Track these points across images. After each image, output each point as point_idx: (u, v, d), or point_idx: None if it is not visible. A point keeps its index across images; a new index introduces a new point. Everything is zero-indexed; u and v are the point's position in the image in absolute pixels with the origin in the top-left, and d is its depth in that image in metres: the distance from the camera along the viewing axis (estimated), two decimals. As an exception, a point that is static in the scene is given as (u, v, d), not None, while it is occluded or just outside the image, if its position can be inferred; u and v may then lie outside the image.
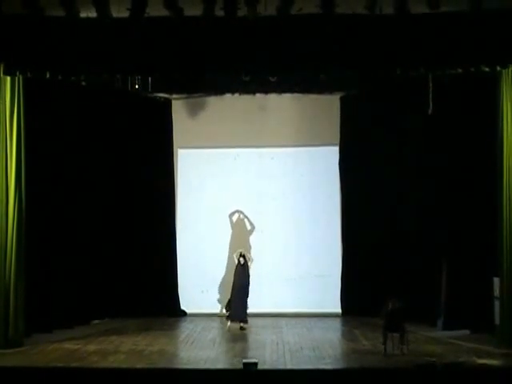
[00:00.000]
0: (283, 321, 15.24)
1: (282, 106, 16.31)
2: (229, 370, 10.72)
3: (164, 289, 16.01)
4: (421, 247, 14.57)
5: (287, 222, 16.38)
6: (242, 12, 11.47)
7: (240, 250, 14.86)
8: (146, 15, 11.51)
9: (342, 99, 16.33)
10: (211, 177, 16.52)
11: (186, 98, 16.47)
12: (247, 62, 11.84)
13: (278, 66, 11.95)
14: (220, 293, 16.01)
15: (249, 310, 14.53)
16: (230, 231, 16.39)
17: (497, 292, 12.59)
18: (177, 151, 16.60)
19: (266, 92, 15.96)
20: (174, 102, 16.55)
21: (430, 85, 13.45)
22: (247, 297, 14.48)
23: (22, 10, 11.54)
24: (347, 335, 13.97)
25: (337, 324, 15.29)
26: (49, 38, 11.63)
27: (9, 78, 12.23)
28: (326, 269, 16.13)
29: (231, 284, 14.70)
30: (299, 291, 16.06)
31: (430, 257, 14.34)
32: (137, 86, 15.13)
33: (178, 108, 16.54)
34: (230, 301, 14.52)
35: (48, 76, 12.14)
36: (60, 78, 12.51)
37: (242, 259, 14.61)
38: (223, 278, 16.02)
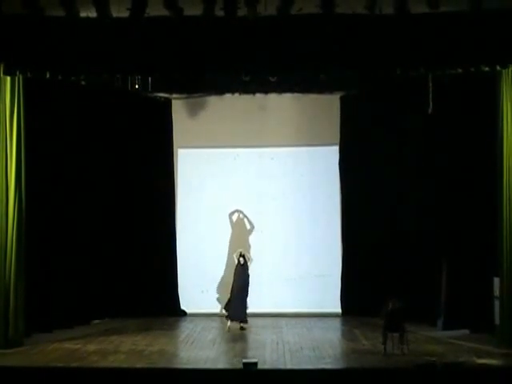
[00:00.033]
0: (283, 321, 15.25)
1: (281, 105, 16.31)
2: (229, 369, 10.73)
3: (164, 289, 16.01)
4: (421, 247, 14.58)
5: (287, 222, 16.38)
6: (242, 12, 11.47)
7: (240, 250, 14.86)
8: (146, 15, 11.51)
9: (342, 99, 16.33)
10: (211, 177, 16.52)
11: (186, 97, 16.47)
12: (247, 61, 11.84)
13: (278, 66, 11.95)
14: (219, 292, 16.00)
15: (249, 310, 14.53)
16: (229, 231, 16.39)
17: (497, 292, 12.59)
18: (177, 151, 16.60)
19: (266, 92, 15.98)
20: (174, 101, 16.55)
21: (430, 85, 13.46)
22: (247, 297, 14.48)
23: (22, 10, 11.54)
24: (347, 335, 13.98)
25: (337, 324, 15.30)
26: (49, 38, 11.63)
27: (9, 78, 12.24)
28: (326, 269, 16.13)
29: (231, 284, 14.70)
30: (299, 291, 16.07)
31: (429, 257, 14.34)
32: (137, 86, 15.13)
33: (178, 108, 16.54)
34: (229, 300, 14.52)
35: (48, 76, 12.15)
36: (60, 77, 12.52)
37: (241, 259, 14.61)
38: (222, 278, 16.02)
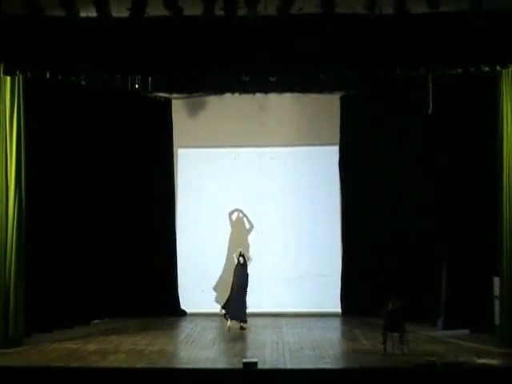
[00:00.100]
0: (283, 320, 15.25)
1: (281, 105, 16.32)
2: (229, 369, 10.73)
3: (164, 288, 16.01)
4: (421, 247, 14.57)
5: (287, 222, 16.39)
6: (242, 12, 11.47)
7: (240, 250, 14.86)
8: (145, 15, 11.51)
9: (342, 99, 16.33)
10: (211, 177, 16.52)
11: (186, 97, 16.47)
12: (247, 61, 11.84)
13: (278, 66, 11.95)
14: (218, 292, 15.99)
15: (249, 310, 14.52)
16: (229, 230, 16.39)
17: (497, 292, 12.60)
18: (177, 151, 16.60)
19: (266, 92, 15.98)
20: (174, 101, 16.55)
21: (430, 85, 13.47)
22: (246, 296, 14.47)
23: (22, 10, 11.54)
24: (347, 335, 13.98)
25: (337, 324, 15.30)
26: (49, 37, 11.63)
27: (9, 78, 12.25)
28: (326, 268, 16.14)
29: (229, 283, 14.70)
30: (299, 291, 16.07)
31: (429, 257, 14.34)
32: (137, 86, 15.12)
33: (178, 108, 16.54)
34: (228, 300, 14.51)
35: (48, 76, 12.16)
36: (60, 77, 12.54)
37: (241, 258, 14.61)
38: (221, 277, 16.02)
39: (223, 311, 14.75)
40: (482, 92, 13.05)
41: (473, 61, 11.70)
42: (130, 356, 11.57)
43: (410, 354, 11.39)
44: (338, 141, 16.29)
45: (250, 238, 16.28)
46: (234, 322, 14.30)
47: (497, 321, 12.52)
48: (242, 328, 14.26)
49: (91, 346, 12.34)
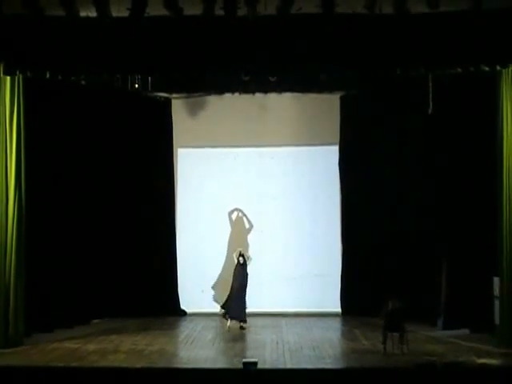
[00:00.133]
0: (283, 320, 15.25)
1: (281, 105, 16.32)
2: (229, 369, 10.72)
3: (164, 288, 16.01)
4: (421, 247, 14.57)
5: (287, 222, 16.39)
6: (242, 11, 11.46)
7: (239, 249, 14.86)
8: (145, 15, 11.51)
9: (341, 99, 16.33)
10: (211, 176, 16.52)
11: (186, 97, 16.47)
12: (247, 61, 11.84)
13: (278, 66, 11.95)
14: (217, 291, 15.98)
15: (249, 310, 14.52)
16: (229, 229, 16.39)
17: (497, 291, 12.60)
18: (177, 151, 16.60)
19: (266, 91, 15.98)
20: (173, 101, 16.55)
21: (430, 85, 13.45)
22: (246, 296, 14.46)
23: (22, 10, 11.53)
24: (347, 335, 13.98)
25: (337, 324, 15.30)
26: (49, 37, 11.62)
27: (9, 78, 12.25)
28: (326, 268, 16.13)
29: (228, 283, 14.70)
30: (299, 291, 16.07)
31: (429, 257, 14.34)
32: (137, 86, 15.15)
33: (178, 107, 16.54)
34: (227, 299, 14.49)
35: (48, 76, 12.18)
36: (60, 77, 12.56)
37: (241, 258, 14.61)
38: (220, 277, 16.02)
39: (222, 311, 14.73)
40: (482, 92, 13.05)
41: (473, 61, 11.70)
42: (129, 356, 11.57)
43: (409, 354, 11.40)
44: (337, 141, 16.28)
45: (250, 238, 16.28)
46: (233, 321, 14.30)
47: (497, 321, 12.52)
48: (241, 328, 14.26)
49: (91, 346, 12.34)
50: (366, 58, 11.81)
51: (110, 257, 15.32)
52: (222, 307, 14.65)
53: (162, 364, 11.05)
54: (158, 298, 15.79)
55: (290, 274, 16.16)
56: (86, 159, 14.88)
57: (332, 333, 14.23)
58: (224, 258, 16.10)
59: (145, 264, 15.84)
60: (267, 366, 10.71)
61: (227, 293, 14.61)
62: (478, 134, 13.27)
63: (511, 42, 11.46)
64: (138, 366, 10.75)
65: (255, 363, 10.12)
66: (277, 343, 12.79)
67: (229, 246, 16.16)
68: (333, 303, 15.97)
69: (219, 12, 11.45)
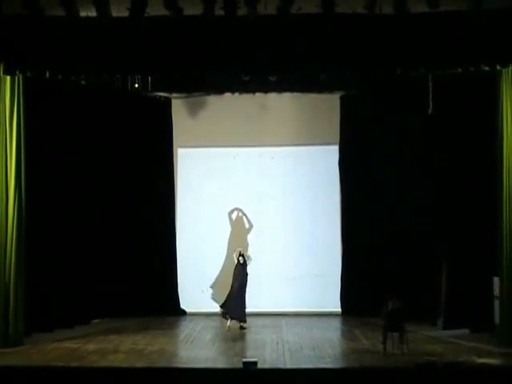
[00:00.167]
0: (283, 320, 15.26)
1: (281, 105, 16.32)
2: (228, 369, 10.72)
3: (164, 288, 16.02)
4: (421, 247, 14.57)
5: (287, 222, 16.39)
6: (242, 11, 11.48)
7: (239, 249, 14.86)
8: (145, 15, 11.51)
9: (341, 98, 16.33)
10: (211, 176, 16.52)
11: (186, 97, 16.48)
12: (247, 61, 11.85)
13: (278, 66, 11.96)
14: (216, 291, 15.97)
15: (249, 310, 14.52)
16: (229, 229, 16.39)
17: (497, 291, 12.60)
18: (176, 150, 16.60)
19: (266, 91, 16.00)
20: (173, 101, 16.56)
21: (430, 84, 13.45)
22: (245, 296, 14.46)
23: (22, 10, 11.54)
24: (347, 335, 13.98)
25: (336, 323, 15.30)
26: (48, 37, 11.64)
27: (9, 78, 12.25)
28: (326, 268, 16.14)
29: (227, 282, 14.70)
30: (299, 291, 16.07)
31: (429, 257, 14.34)
32: (136, 86, 15.16)
33: (178, 107, 16.55)
34: (227, 300, 14.48)
35: (48, 75, 12.16)
36: (60, 77, 12.55)
37: (241, 258, 14.61)
38: (219, 276, 16.03)
39: (222, 310, 14.70)
40: (482, 92, 13.05)
41: (473, 60, 11.70)
42: (129, 355, 11.57)
43: (409, 354, 11.39)
44: (337, 140, 16.29)
45: (250, 238, 16.29)
46: (233, 321, 14.30)
47: (497, 320, 12.52)
48: (241, 328, 14.26)
49: (91, 346, 12.34)
50: (365, 57, 11.82)
51: (110, 257, 15.32)
52: (221, 307, 14.64)
53: (161, 364, 11.04)
54: (158, 297, 15.80)
55: (290, 273, 16.17)
56: (85, 159, 14.88)
57: (332, 333, 14.24)
58: (224, 258, 16.09)
59: (145, 264, 15.85)
60: (267, 365, 10.71)
61: (226, 292, 14.60)
62: (477, 133, 13.27)
63: (511, 42, 11.46)
64: (138, 365, 10.76)
65: (255, 363, 10.12)
66: (277, 343, 12.79)
67: (229, 245, 16.17)
68: (333, 303, 15.98)
69: (219, 12, 11.47)
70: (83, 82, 14.42)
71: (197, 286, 16.13)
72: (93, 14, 11.61)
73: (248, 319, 14.40)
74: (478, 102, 13.28)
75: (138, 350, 12.02)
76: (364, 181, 15.82)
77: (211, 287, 16.13)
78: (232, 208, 16.39)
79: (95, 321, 14.95)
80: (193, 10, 11.48)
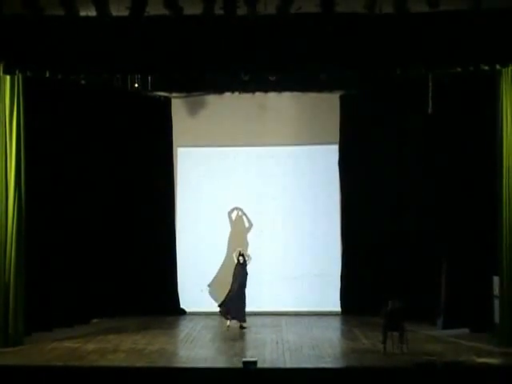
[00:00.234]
0: (283, 320, 15.25)
1: (281, 104, 16.32)
2: (228, 368, 10.72)
3: (164, 288, 16.02)
4: (421, 247, 14.58)
5: (287, 221, 16.38)
6: (242, 11, 11.47)
7: (239, 249, 14.86)
8: (145, 14, 11.51)
9: (341, 98, 16.32)
10: (211, 176, 16.51)
11: (186, 96, 16.47)
12: (247, 61, 11.84)
13: (278, 65, 11.95)
14: (215, 290, 15.97)
15: (249, 309, 14.52)
16: (228, 229, 16.39)
17: (496, 291, 12.60)
18: (176, 150, 16.60)
19: (266, 91, 16.01)
20: (173, 100, 16.55)
21: (430, 84, 13.45)
22: (245, 296, 14.45)
23: (22, 10, 11.54)
24: (347, 334, 13.98)
25: (336, 323, 15.29)
26: (48, 37, 11.63)
27: (8, 77, 12.25)
28: (326, 268, 16.13)
29: (226, 282, 14.70)
30: (299, 290, 16.06)
31: (429, 257, 14.34)
32: (136, 85, 15.15)
33: (178, 107, 16.54)
34: (225, 299, 14.45)
35: (48, 75, 12.16)
36: (60, 77, 12.56)
37: (241, 258, 14.61)
38: (219, 275, 16.03)
39: (220, 309, 14.67)
40: (482, 92, 13.05)
41: (473, 60, 11.70)
42: (129, 355, 11.58)
43: (409, 353, 11.40)
44: (337, 140, 16.28)
45: (250, 237, 16.28)
46: (233, 321, 14.30)
47: (496, 320, 12.52)
48: (241, 327, 14.26)
49: (91, 345, 12.34)
50: (365, 57, 11.81)
51: (110, 256, 15.32)
52: (220, 306, 14.62)
53: (161, 363, 11.05)
54: (158, 297, 15.81)
55: (289, 273, 16.16)
56: (85, 159, 14.88)
57: (332, 332, 14.24)
58: (224, 258, 16.09)
59: (145, 264, 15.85)
60: (267, 365, 10.72)
61: (225, 291, 14.60)
62: (478, 133, 13.27)
63: (511, 42, 11.46)
64: (138, 365, 10.76)
65: (255, 362, 10.12)
66: (277, 343, 12.79)
67: (228, 244, 16.18)
68: (333, 303, 15.97)
69: (219, 11, 11.46)
70: (83, 82, 14.44)
71: (197, 285, 16.13)
72: (92, 13, 11.61)
73: (248, 319, 14.41)
74: (477, 101, 13.29)
75: (137, 350, 12.03)
76: (364, 181, 15.82)
77: (209, 286, 16.12)
78: (232, 208, 16.38)
79: (95, 320, 14.95)
80: (193, 9, 11.47)
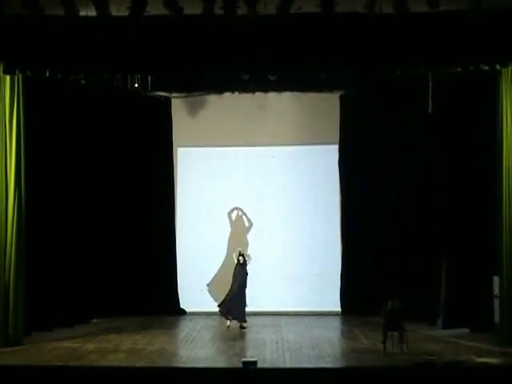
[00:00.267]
0: (283, 319, 15.24)
1: (281, 104, 16.31)
2: (228, 368, 10.72)
3: (164, 288, 16.02)
4: (421, 247, 14.57)
5: (287, 221, 16.38)
6: (242, 11, 11.47)
7: (239, 249, 14.85)
8: (145, 14, 11.51)
9: (341, 98, 16.31)
10: (211, 176, 16.51)
11: (186, 96, 16.47)
12: (247, 60, 11.84)
13: (278, 65, 11.96)
14: (214, 290, 15.97)
15: (248, 309, 14.53)
16: (228, 229, 16.39)
17: (496, 291, 12.60)
18: (176, 150, 16.60)
19: (266, 91, 16.00)
20: (173, 100, 16.54)
21: (430, 84, 13.44)
22: (245, 296, 14.44)
23: (22, 10, 11.53)
24: (347, 334, 13.98)
25: (336, 323, 15.29)
26: (48, 36, 11.64)
27: (8, 77, 12.25)
28: (326, 267, 16.13)
29: (225, 282, 14.70)
30: (299, 290, 16.06)
31: (429, 256, 14.34)
32: (136, 85, 15.15)
33: (178, 107, 16.54)
34: (225, 299, 14.43)
35: (47, 75, 12.15)
36: (59, 76, 12.55)
37: (241, 258, 14.60)
38: (218, 274, 16.03)
39: (219, 309, 14.66)
40: (482, 92, 13.04)
41: (473, 60, 11.70)
42: (129, 355, 11.57)
43: (409, 353, 11.40)
44: (337, 140, 16.27)
45: (250, 237, 16.28)
46: (234, 321, 14.29)
47: (496, 320, 12.52)
48: (241, 327, 14.26)
49: (91, 345, 12.34)
50: (365, 57, 11.81)
51: (110, 256, 15.32)
52: (219, 306, 14.60)
53: (161, 363, 11.04)
54: (158, 297, 15.81)
55: (289, 273, 16.16)
56: (85, 159, 14.87)
57: (332, 332, 14.24)
58: (224, 258, 16.08)
59: (145, 264, 15.85)
60: (267, 365, 10.71)
61: (224, 291, 14.59)
62: (477, 133, 13.26)
63: (511, 42, 11.46)
64: (138, 365, 10.76)
65: (255, 362, 10.11)
66: (276, 342, 12.79)
67: (229, 244, 16.17)
68: (332, 302, 15.97)
69: (219, 11, 11.46)
70: (83, 82, 14.42)
71: (196, 285, 16.12)
72: (92, 13, 11.60)
73: (248, 319, 14.40)
74: (477, 101, 13.27)
75: (137, 350, 12.02)
76: (364, 180, 15.81)
77: (208, 285, 16.11)
78: (231, 208, 16.38)
79: (95, 320, 14.94)
80: (192, 9, 11.47)
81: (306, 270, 16.15)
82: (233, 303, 14.31)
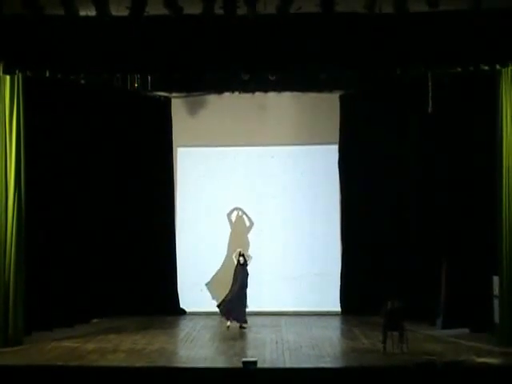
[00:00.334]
0: (283, 319, 15.25)
1: (281, 104, 16.31)
2: (228, 368, 10.72)
3: (164, 288, 16.02)
4: (421, 247, 14.57)
5: (287, 221, 16.37)
6: (242, 11, 11.47)
7: (239, 250, 14.84)
8: (145, 14, 11.51)
9: (341, 98, 16.31)
10: (211, 176, 16.51)
11: (186, 96, 16.46)
12: (247, 60, 11.84)
13: (278, 65, 11.96)
14: (213, 290, 15.97)
15: (249, 309, 14.52)
16: (228, 229, 16.38)
17: (496, 291, 12.59)
18: (176, 150, 16.60)
19: (266, 91, 15.99)
20: (173, 100, 16.54)
21: (430, 84, 13.44)
22: (246, 296, 14.44)
23: (22, 10, 11.54)
24: (347, 334, 13.98)
25: (336, 323, 15.30)
26: (48, 36, 11.64)
27: (8, 77, 12.25)
28: (326, 267, 16.12)
29: (225, 280, 14.70)
30: (299, 290, 16.06)
31: (429, 256, 14.33)
32: (136, 85, 15.13)
33: (178, 107, 16.54)
34: (224, 300, 14.42)
35: (47, 75, 12.15)
36: (59, 76, 12.55)
37: (241, 259, 14.59)
38: (218, 274, 16.02)
39: (218, 309, 14.65)
40: (482, 92, 13.04)
41: (473, 60, 11.70)
42: (129, 355, 11.57)
43: (409, 353, 11.40)
44: (337, 140, 16.27)
45: (250, 236, 16.28)
46: (234, 321, 14.28)
47: (496, 320, 12.52)
48: (241, 327, 14.25)
49: (91, 345, 12.34)
50: (365, 57, 11.81)
51: (110, 256, 15.32)
52: (219, 306, 14.60)
53: (161, 363, 11.04)
54: (158, 297, 15.81)
55: (289, 273, 16.16)
56: (85, 159, 14.87)
57: (332, 332, 14.24)
58: (224, 258, 16.08)
59: (145, 264, 15.85)
60: (267, 365, 10.71)
61: (224, 291, 14.59)
62: (477, 133, 13.26)
63: (511, 42, 11.46)
64: (138, 365, 10.75)
65: (255, 362, 10.11)
66: (276, 342, 12.78)
67: (229, 244, 16.17)
68: (332, 302, 15.97)
69: (219, 11, 11.46)
70: (83, 82, 14.41)
71: (196, 285, 16.12)
72: (92, 13, 11.61)
73: (248, 319, 14.39)
74: (477, 101, 13.27)
75: (137, 350, 12.02)
76: (364, 180, 15.81)
77: (206, 284, 16.11)
78: (231, 208, 16.37)
79: (95, 320, 14.94)
80: (192, 9, 11.48)
81: (305, 270, 16.16)
82: (233, 304, 14.30)
